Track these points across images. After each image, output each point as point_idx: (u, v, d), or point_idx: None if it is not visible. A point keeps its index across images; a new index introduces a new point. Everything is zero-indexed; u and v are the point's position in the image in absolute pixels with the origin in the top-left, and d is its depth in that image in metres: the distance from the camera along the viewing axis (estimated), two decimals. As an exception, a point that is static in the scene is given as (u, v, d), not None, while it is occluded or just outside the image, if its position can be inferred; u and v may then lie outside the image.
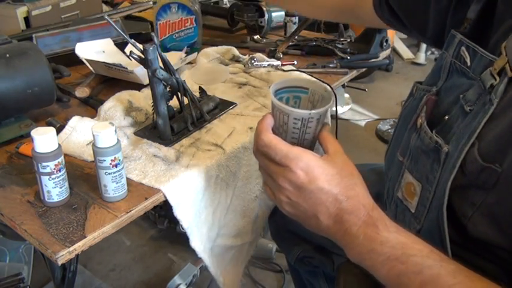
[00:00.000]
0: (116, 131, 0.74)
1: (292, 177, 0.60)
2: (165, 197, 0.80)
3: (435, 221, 0.61)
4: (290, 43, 1.38)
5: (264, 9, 1.52)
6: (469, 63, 0.65)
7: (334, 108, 1.41)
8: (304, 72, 1.23)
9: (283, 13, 1.53)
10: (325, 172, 0.60)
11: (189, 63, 1.27)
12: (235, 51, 1.33)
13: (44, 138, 0.71)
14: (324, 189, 0.59)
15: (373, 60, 1.34)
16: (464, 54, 0.66)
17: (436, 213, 0.61)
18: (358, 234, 0.59)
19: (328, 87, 0.68)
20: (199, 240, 0.90)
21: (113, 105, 1.00)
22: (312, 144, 0.67)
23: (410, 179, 0.70)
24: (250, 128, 0.98)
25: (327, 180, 0.59)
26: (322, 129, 0.66)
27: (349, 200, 0.59)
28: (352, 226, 0.59)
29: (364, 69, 1.34)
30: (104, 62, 1.12)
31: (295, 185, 0.60)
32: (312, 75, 1.20)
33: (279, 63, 1.26)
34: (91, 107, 1.08)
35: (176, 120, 0.95)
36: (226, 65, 1.28)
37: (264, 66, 1.25)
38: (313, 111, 0.62)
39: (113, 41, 1.27)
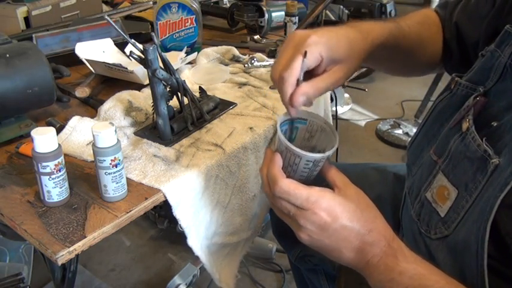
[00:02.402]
0: (115, 131, 0.74)
1: (316, 219, 0.60)
2: (165, 197, 0.80)
3: (473, 234, 0.59)
4: (290, 43, 1.37)
5: (264, 9, 1.52)
6: None
7: (334, 108, 1.41)
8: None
9: (283, 13, 1.53)
10: (346, 209, 0.61)
11: (189, 63, 1.27)
12: (235, 51, 1.33)
13: (44, 138, 0.71)
14: (347, 227, 0.61)
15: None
16: None
17: (477, 226, 0.58)
18: (379, 265, 0.60)
19: (327, 120, 0.68)
20: (197, 238, 0.90)
21: (112, 105, 1.00)
22: (316, 176, 0.68)
23: (445, 183, 0.66)
24: (250, 128, 0.98)
25: (348, 217, 0.61)
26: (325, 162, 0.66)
27: (370, 233, 0.61)
28: (374, 257, 0.61)
29: (364, 69, 1.33)
30: (104, 62, 1.12)
31: (317, 225, 0.61)
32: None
33: (279, 63, 1.26)
34: (91, 107, 1.08)
35: (176, 120, 0.95)
36: (226, 65, 1.28)
37: (264, 66, 1.25)
38: (326, 154, 0.63)
39: (113, 41, 1.27)
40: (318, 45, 0.64)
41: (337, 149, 0.66)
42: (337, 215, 0.60)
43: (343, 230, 0.60)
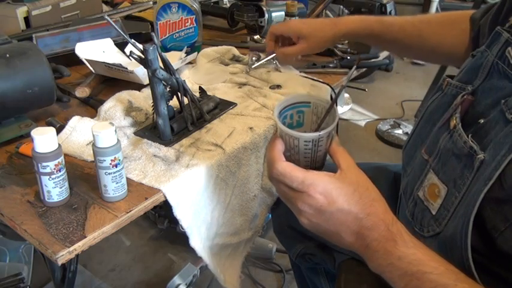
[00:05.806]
0: (115, 131, 0.74)
1: (312, 202, 0.61)
2: (165, 197, 0.80)
3: (459, 229, 0.59)
4: (290, 43, 1.37)
5: (264, 9, 1.52)
6: None
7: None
8: (304, 72, 1.22)
9: (283, 13, 1.53)
10: (343, 192, 0.60)
11: (189, 63, 1.27)
12: (235, 51, 1.33)
13: (44, 138, 0.71)
14: (344, 210, 0.60)
15: (373, 60, 1.34)
16: (510, 56, 0.62)
17: (462, 221, 0.59)
18: (378, 249, 0.60)
19: (329, 99, 0.68)
20: (199, 239, 0.90)
21: (113, 105, 1.00)
22: (324, 156, 0.68)
23: (435, 181, 0.67)
24: (250, 128, 0.98)
25: (346, 201, 0.60)
26: (332, 142, 0.66)
27: (369, 217, 0.60)
28: (372, 241, 0.60)
29: (364, 69, 1.34)
30: (104, 62, 1.12)
31: (315, 208, 0.61)
32: (311, 76, 1.20)
33: (279, 63, 1.26)
34: (91, 107, 1.08)
35: (176, 120, 0.95)
36: (226, 65, 1.28)
37: (264, 66, 1.24)
38: (322, 132, 0.63)
39: (113, 41, 1.27)
40: (290, 23, 1.11)
41: None
42: (333, 198, 0.60)
43: (340, 213, 0.60)
